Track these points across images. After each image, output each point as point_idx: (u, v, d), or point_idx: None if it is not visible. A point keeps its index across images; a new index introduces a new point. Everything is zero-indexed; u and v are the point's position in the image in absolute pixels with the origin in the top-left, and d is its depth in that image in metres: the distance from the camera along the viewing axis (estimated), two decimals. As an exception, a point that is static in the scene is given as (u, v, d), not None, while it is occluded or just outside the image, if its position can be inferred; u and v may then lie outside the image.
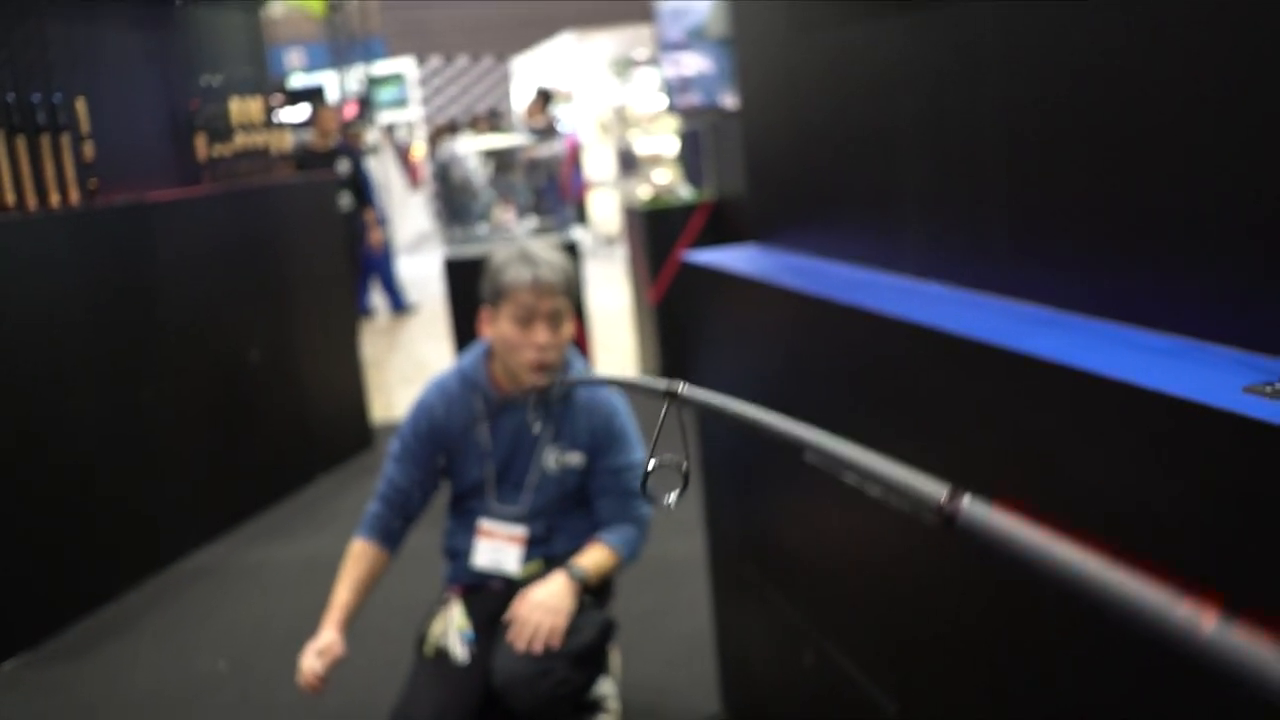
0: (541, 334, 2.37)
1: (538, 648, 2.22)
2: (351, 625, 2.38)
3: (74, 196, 3.87)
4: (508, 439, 2.48)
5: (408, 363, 7.73)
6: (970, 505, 0.59)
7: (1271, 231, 1.09)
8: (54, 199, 3.79)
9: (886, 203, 1.86)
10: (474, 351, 2.53)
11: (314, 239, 5.24)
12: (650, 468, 0.95)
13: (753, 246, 2.43)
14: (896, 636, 1.71)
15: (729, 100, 5.36)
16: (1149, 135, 1.24)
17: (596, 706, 2.63)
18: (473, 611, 2.45)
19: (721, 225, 5.82)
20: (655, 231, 5.85)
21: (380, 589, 3.37)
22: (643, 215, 5.86)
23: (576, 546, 2.47)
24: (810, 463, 0.74)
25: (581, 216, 12.69)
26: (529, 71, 15.41)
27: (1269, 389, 1.00)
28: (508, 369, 2.44)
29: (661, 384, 1.01)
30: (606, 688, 2.69)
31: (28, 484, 3.53)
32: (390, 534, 2.51)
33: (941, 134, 1.68)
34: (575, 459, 2.48)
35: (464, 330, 5.69)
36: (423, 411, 2.51)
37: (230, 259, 4.65)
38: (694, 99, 5.77)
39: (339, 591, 2.42)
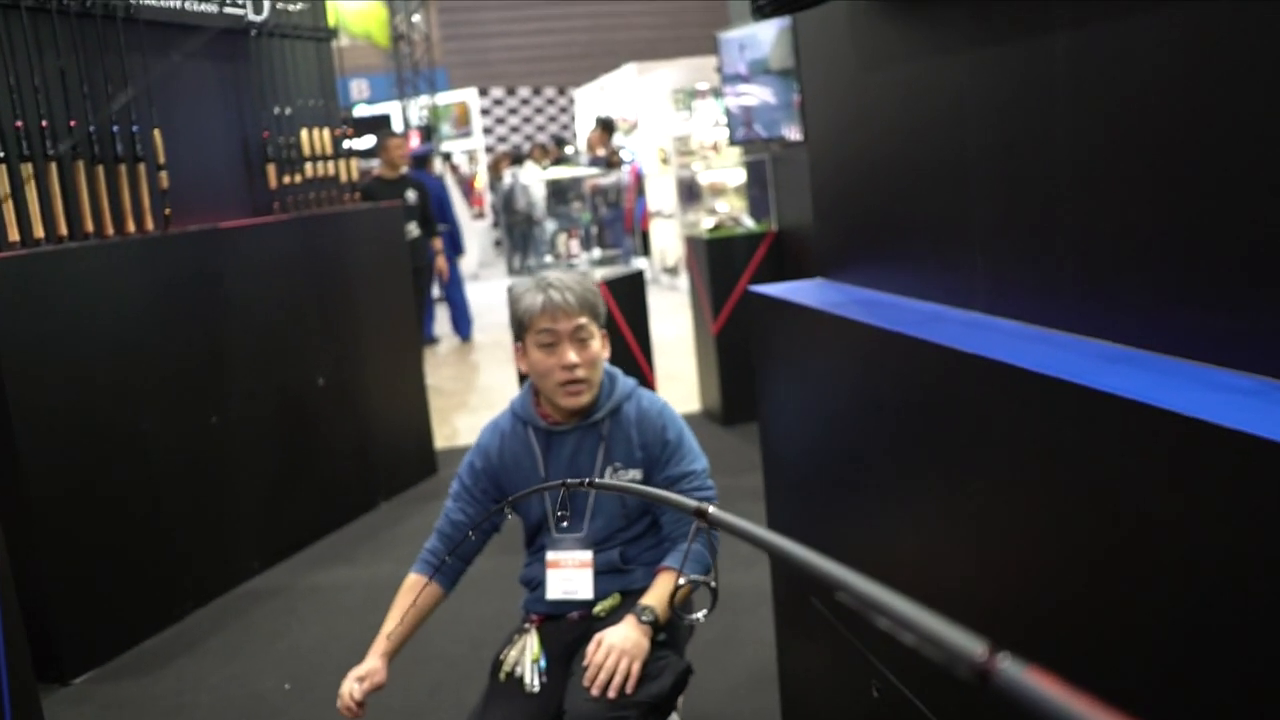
0: (567, 354, 2.39)
1: (613, 693, 2.20)
2: (398, 655, 2.39)
3: (149, 224, 3.97)
4: (562, 468, 2.49)
5: (471, 391, 7.80)
6: (1007, 666, 0.59)
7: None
8: (130, 227, 3.89)
9: (955, 238, 1.86)
10: (523, 390, 2.56)
11: (380, 266, 5.32)
12: (680, 583, 1.00)
13: (819, 281, 2.43)
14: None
15: (792, 132, 5.37)
16: (1223, 170, 1.23)
17: None
18: (549, 641, 2.45)
19: (784, 256, 5.83)
20: (717, 261, 5.86)
21: (444, 614, 3.40)
22: (705, 244, 5.89)
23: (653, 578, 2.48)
24: (843, 602, 0.74)
25: (645, 247, 12.74)
26: (591, 102, 15.54)
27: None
28: (547, 397, 2.47)
29: (690, 504, 0.99)
30: None
31: (101, 502, 3.62)
32: (444, 570, 2.53)
33: (1010, 168, 1.67)
34: (630, 475, 2.48)
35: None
36: (479, 452, 2.55)
37: (298, 285, 4.74)
38: (757, 130, 5.79)
39: (388, 621, 2.44)
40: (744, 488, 4.38)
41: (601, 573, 2.49)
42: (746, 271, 5.78)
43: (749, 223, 6.11)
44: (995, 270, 1.75)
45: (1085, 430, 1.30)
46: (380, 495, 5.15)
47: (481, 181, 16.65)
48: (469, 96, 17.68)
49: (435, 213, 9.06)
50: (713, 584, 0.99)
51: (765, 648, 2.89)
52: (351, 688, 2.32)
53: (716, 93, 10.09)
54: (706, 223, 6.21)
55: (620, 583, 2.49)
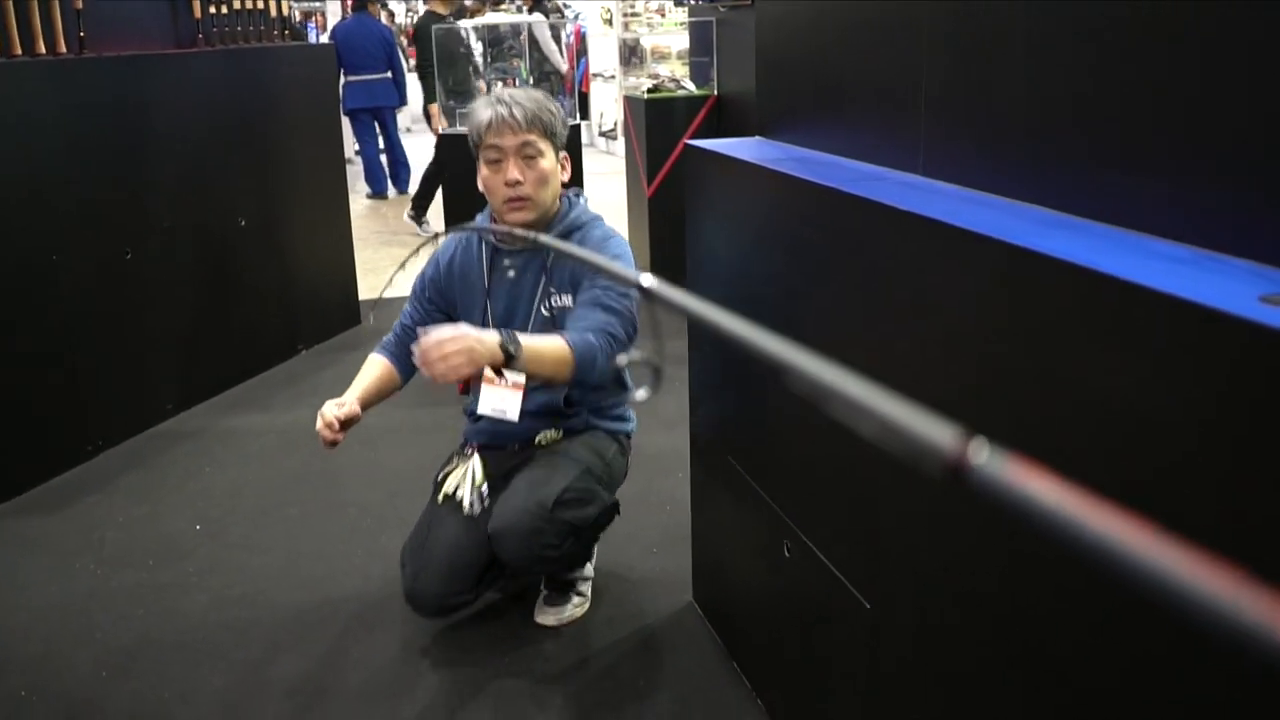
0: (510, 170, 2.36)
1: (426, 366, 2.13)
2: (364, 417, 2.45)
3: (61, 46, 3.77)
4: (506, 288, 2.48)
5: (405, 244, 7.67)
6: (985, 458, 0.47)
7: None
8: (40, 48, 3.68)
9: (899, 99, 1.81)
10: (488, 206, 2.56)
11: (309, 109, 5.14)
12: (623, 363, 0.97)
13: (758, 140, 2.38)
14: (873, 534, 1.71)
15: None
16: (1167, 41, 1.20)
17: (570, 587, 2.65)
18: (489, 469, 2.52)
19: (724, 123, 5.72)
20: (655, 123, 5.74)
21: (359, 463, 3.38)
22: (644, 105, 5.76)
23: (597, 417, 2.54)
24: (793, 389, 0.63)
25: (584, 109, 12.51)
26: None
27: (1286, 300, 0.98)
28: (497, 214, 2.45)
29: (633, 275, 0.94)
30: (586, 571, 2.71)
31: (7, 334, 3.49)
32: (399, 360, 2.56)
33: (959, 32, 1.62)
34: (567, 300, 2.44)
35: (455, 209, 5.63)
36: (434, 260, 2.58)
37: (222, 121, 4.55)
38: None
39: (356, 382, 2.49)
40: (668, 353, 4.36)
41: (540, 414, 2.48)
42: (685, 135, 5.67)
43: (690, 86, 5.98)
44: (938, 133, 1.71)
45: (1024, 294, 1.28)
46: (301, 342, 5.07)
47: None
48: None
49: (385, 60, 8.80)
50: (656, 363, 0.98)
51: (680, 509, 2.91)
52: (332, 409, 2.32)
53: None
54: (646, 84, 6.07)
55: (564, 423, 2.53)
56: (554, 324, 2.43)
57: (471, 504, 2.47)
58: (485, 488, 2.49)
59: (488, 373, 2.41)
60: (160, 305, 4.20)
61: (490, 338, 2.15)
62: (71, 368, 3.75)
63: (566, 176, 2.49)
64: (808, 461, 1.96)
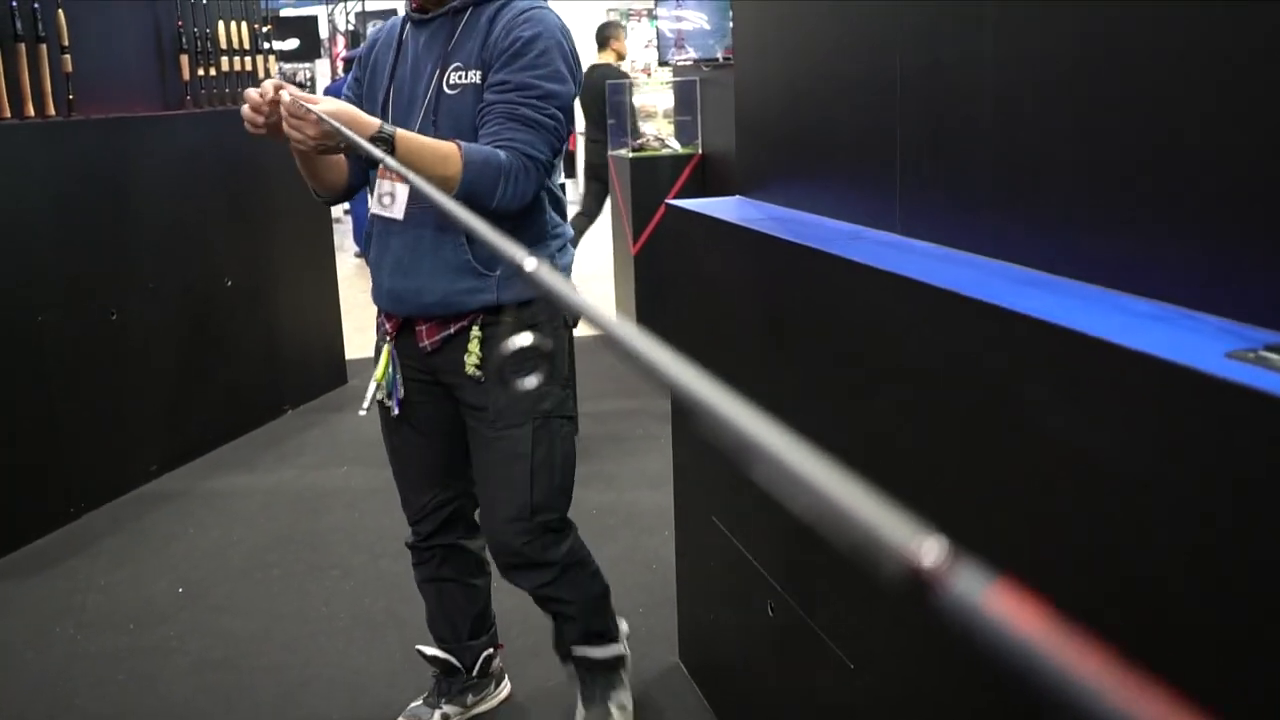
0: None
1: (287, 126, 1.91)
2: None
3: (50, 109, 3.79)
4: (410, 65, 2.16)
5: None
6: (963, 582, 0.38)
7: (1252, 201, 1.07)
8: (29, 110, 3.71)
9: (875, 159, 1.83)
10: None
11: (295, 172, 5.15)
12: (509, 351, 0.82)
13: (738, 199, 2.40)
14: (857, 595, 1.70)
15: (723, 54, 5.31)
16: (1137, 101, 1.23)
17: (607, 687, 2.47)
18: (404, 360, 2.26)
19: (709, 180, 5.78)
20: (640, 182, 5.80)
21: (343, 524, 3.35)
22: (629, 164, 5.81)
23: (531, 216, 2.12)
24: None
25: (569, 167, 12.59)
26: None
27: (1252, 355, 0.99)
28: None
29: (518, 253, 0.77)
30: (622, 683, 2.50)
31: (-10, 397, 3.48)
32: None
33: (932, 92, 1.65)
34: (474, 77, 2.06)
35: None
36: (373, 35, 2.35)
37: (210, 183, 4.58)
38: (688, 50, 5.71)
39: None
40: (653, 411, 4.38)
41: (441, 272, 2.12)
42: (669, 194, 5.71)
43: (675, 145, 6.04)
44: (913, 192, 1.73)
45: (996, 350, 1.29)
46: (287, 402, 5.05)
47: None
48: (397, 3, 17.22)
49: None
50: (545, 344, 0.82)
51: (666, 568, 2.89)
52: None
53: (651, 15, 9.94)
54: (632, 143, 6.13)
55: (478, 290, 2.11)
56: (458, 104, 2.08)
57: (391, 406, 2.28)
58: (395, 383, 2.26)
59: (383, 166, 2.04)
60: (145, 366, 4.19)
61: (366, 118, 1.92)
62: (54, 429, 3.73)
63: None
64: (789, 521, 1.95)
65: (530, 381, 0.83)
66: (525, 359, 0.84)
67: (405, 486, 2.42)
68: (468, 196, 1.91)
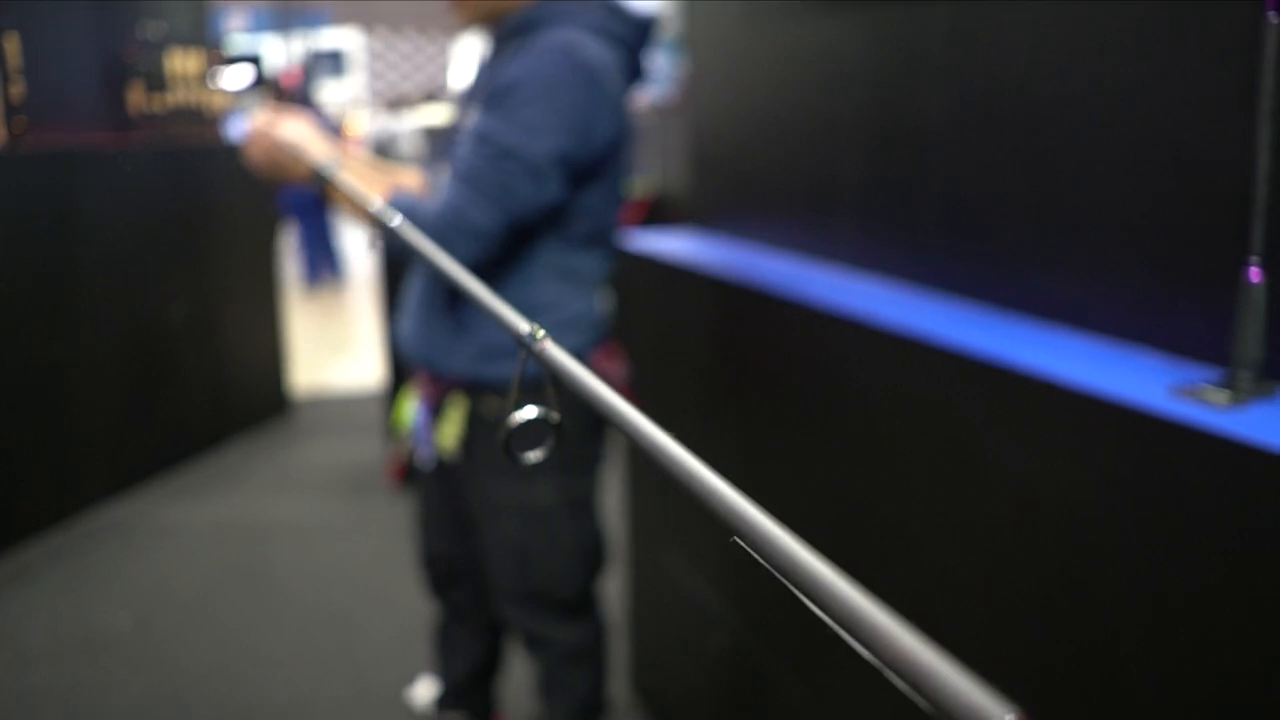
0: None
1: (249, 148, 1.82)
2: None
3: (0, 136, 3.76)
4: (473, 91, 1.96)
5: (341, 332, 7.65)
6: None
7: (1195, 237, 1.12)
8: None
9: (826, 195, 1.88)
10: None
11: (242, 204, 5.15)
12: (513, 425, 0.75)
13: (693, 231, 2.43)
14: (812, 621, 1.73)
15: (674, 96, 5.37)
16: (1081, 139, 1.27)
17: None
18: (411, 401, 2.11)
19: (660, 220, 5.81)
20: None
21: (376, 595, 3.31)
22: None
23: (519, 287, 1.86)
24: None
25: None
26: (471, 51, 15.29)
27: (1194, 391, 1.03)
28: None
29: (522, 325, 0.74)
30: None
31: (-69, 427, 3.43)
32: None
33: (882, 129, 1.69)
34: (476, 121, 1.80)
35: (395, 300, 5.63)
36: None
37: (157, 217, 4.55)
38: (645, 96, 5.77)
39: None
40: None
41: (424, 317, 1.95)
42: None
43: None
44: (863, 228, 1.77)
45: (942, 388, 1.33)
46: (230, 432, 5.01)
47: (359, 129, 16.24)
48: (349, 38, 17.23)
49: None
50: (553, 416, 0.75)
51: (614, 602, 2.89)
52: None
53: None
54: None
55: (456, 351, 1.89)
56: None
57: (421, 462, 2.11)
58: (416, 425, 2.06)
59: None
60: (87, 394, 4.14)
61: (319, 151, 1.76)
62: (-3, 460, 3.68)
63: None
64: (742, 553, 1.97)
65: (535, 455, 0.78)
66: (531, 433, 0.76)
67: (420, 539, 2.28)
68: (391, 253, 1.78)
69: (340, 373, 6.45)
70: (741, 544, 0.49)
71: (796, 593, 0.45)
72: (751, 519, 0.49)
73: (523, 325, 0.74)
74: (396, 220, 1.10)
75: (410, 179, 2.03)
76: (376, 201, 1.33)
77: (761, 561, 0.47)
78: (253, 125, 1.81)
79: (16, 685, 2.87)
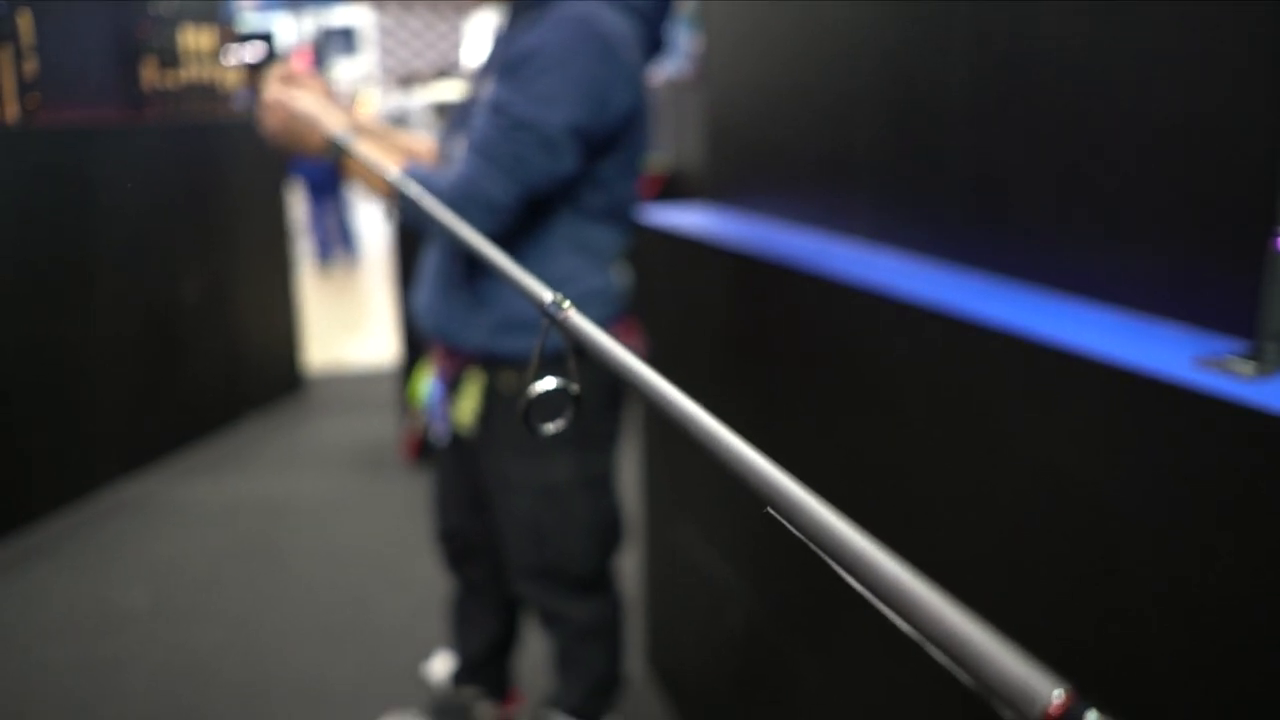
0: None
1: (263, 115, 1.81)
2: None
3: (12, 113, 3.75)
4: (484, 64, 1.94)
5: (356, 309, 7.65)
6: None
7: (1221, 208, 1.09)
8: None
9: (844, 168, 1.85)
10: None
11: (255, 181, 5.14)
12: (533, 396, 0.74)
13: (710, 206, 2.41)
14: (828, 596, 1.72)
15: (688, 71, 5.33)
16: (1105, 112, 1.24)
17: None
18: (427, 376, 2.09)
19: (674, 196, 5.79)
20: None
21: (389, 579, 3.32)
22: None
23: (536, 260, 1.84)
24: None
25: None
26: (486, 28, 15.24)
27: (1219, 362, 1.01)
28: None
29: (545, 295, 0.73)
30: None
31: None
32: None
33: (901, 100, 1.67)
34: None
35: (409, 278, 5.64)
36: None
37: (170, 193, 4.55)
38: (660, 71, 5.73)
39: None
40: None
41: (440, 288, 1.94)
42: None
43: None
44: (881, 200, 1.75)
45: (962, 360, 1.31)
46: (245, 409, 5.03)
47: (370, 106, 16.22)
48: (361, 15, 17.19)
49: None
50: (573, 388, 0.75)
51: (630, 580, 2.89)
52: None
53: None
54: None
55: (472, 324, 1.88)
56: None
57: (436, 438, 2.09)
58: (431, 400, 2.04)
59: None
60: (104, 372, 4.15)
61: (334, 121, 1.75)
62: (12, 436, 3.68)
63: None
64: (759, 524, 1.97)
65: (551, 427, 0.77)
66: (550, 405, 0.76)
67: (435, 514, 2.27)
68: (407, 223, 1.76)
69: (354, 350, 6.46)
70: (775, 515, 0.47)
71: (833, 565, 0.43)
72: (787, 490, 0.47)
73: (546, 294, 0.73)
74: (414, 189, 1.09)
75: (422, 146, 2.02)
76: (393, 170, 1.34)
77: (796, 533, 0.45)
78: (268, 96, 1.81)
79: (32, 661, 2.88)
